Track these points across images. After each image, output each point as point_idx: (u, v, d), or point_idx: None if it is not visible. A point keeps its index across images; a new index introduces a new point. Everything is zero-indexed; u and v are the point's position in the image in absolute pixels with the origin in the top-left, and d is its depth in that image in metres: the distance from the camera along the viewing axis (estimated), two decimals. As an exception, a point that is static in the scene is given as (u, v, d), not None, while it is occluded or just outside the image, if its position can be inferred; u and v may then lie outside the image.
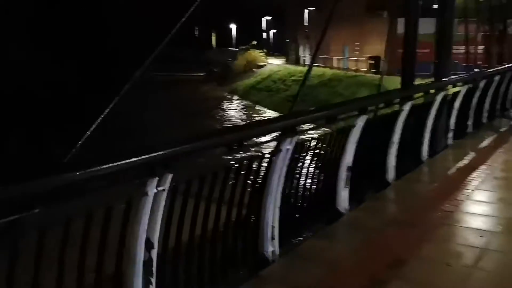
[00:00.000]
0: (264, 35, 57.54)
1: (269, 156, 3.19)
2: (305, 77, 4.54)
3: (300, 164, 3.55)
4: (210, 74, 44.41)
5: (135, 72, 3.86)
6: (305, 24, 38.28)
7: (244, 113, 25.02)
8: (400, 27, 27.29)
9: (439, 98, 5.88)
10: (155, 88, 32.10)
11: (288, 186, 3.48)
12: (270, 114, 24.38)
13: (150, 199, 2.18)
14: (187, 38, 53.25)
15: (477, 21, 14.18)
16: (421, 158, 5.89)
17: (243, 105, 27.88)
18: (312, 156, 3.69)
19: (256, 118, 23.15)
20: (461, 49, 12.25)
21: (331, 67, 31.36)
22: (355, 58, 29.63)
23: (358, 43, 32.15)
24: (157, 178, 2.17)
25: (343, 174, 4.14)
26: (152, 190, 2.16)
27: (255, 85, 32.54)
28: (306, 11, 38.27)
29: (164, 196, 2.23)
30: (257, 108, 26.52)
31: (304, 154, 3.57)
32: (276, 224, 3.31)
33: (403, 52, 6.62)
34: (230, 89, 34.97)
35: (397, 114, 4.94)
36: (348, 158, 4.13)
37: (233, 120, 21.61)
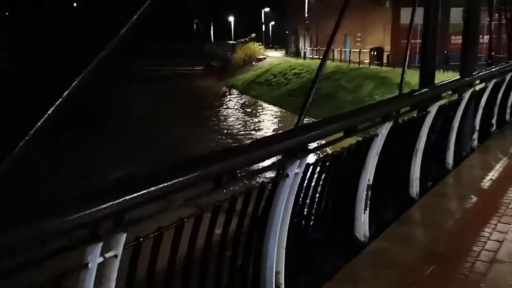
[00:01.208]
0: (263, 27, 56.49)
1: (271, 183, 2.43)
2: (317, 73, 3.70)
3: (311, 189, 2.79)
4: (208, 68, 43.51)
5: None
6: (306, 15, 37.28)
7: (243, 112, 24.21)
8: (404, 17, 26.55)
9: (467, 95, 5.10)
10: (148, 84, 31.34)
11: (296, 219, 2.72)
12: (271, 109, 23.56)
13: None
14: (185, 31, 52.39)
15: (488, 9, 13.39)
16: (446, 165, 5.12)
17: (242, 101, 27.01)
18: (326, 177, 2.91)
19: (258, 116, 22.33)
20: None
21: (333, 59, 30.46)
22: (357, 49, 28.69)
23: (359, 34, 31.23)
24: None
25: (362, 193, 3.38)
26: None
27: (254, 79, 31.66)
28: (306, 1, 37.25)
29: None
30: (259, 103, 25.66)
31: (317, 176, 2.80)
32: (282, 269, 2.55)
33: (422, 45, 5.82)
34: (229, 83, 34.11)
35: (423, 117, 4.16)
36: (369, 174, 3.37)
37: (231, 124, 20.80)
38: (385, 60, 26.07)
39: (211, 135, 16.35)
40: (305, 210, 2.85)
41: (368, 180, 3.38)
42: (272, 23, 57.18)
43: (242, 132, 17.44)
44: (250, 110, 23.41)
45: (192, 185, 1.70)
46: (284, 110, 22.36)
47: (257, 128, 18.72)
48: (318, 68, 3.84)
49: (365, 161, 3.32)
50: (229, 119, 20.56)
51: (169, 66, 42.53)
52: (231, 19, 57.26)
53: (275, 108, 23.50)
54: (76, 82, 1.64)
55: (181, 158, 2.02)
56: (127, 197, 1.46)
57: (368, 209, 3.43)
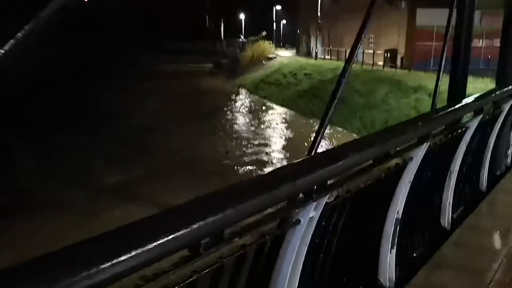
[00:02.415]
0: (275, 25, 55.76)
1: (273, 235, 1.79)
2: (339, 79, 3.01)
3: (329, 233, 2.15)
4: (217, 66, 42.93)
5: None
6: (318, 14, 36.51)
7: (249, 114, 23.60)
8: (420, 18, 25.69)
9: (506, 107, 4.44)
10: (153, 81, 30.86)
11: (309, 270, 2.08)
12: (280, 110, 22.90)
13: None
14: (195, 28, 51.95)
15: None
16: (480, 188, 4.46)
17: (250, 102, 26.37)
18: (347, 216, 2.27)
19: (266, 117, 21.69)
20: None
21: (345, 61, 29.71)
22: (370, 51, 27.91)
23: (372, 35, 30.43)
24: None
25: (389, 229, 2.75)
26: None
27: (264, 78, 30.99)
28: (319, 0, 36.49)
29: None
30: (268, 104, 24.98)
31: (336, 217, 2.16)
32: None
33: (454, 49, 5.15)
34: (238, 82, 33.49)
35: (461, 134, 3.51)
36: (398, 206, 2.74)
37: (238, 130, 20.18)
38: (399, 63, 25.29)
39: (212, 139, 15.72)
40: (320, 258, 2.22)
41: (396, 213, 2.75)
42: (284, 21, 56.43)
43: (246, 135, 16.80)
44: (257, 112, 22.76)
45: None
46: (293, 112, 21.69)
47: (262, 134, 18.06)
48: (341, 74, 3.16)
49: (395, 191, 2.69)
50: (233, 123, 19.94)
51: (178, 63, 42.09)
52: (242, 17, 56.64)
53: (283, 110, 22.84)
54: None
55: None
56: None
57: (395, 247, 2.81)
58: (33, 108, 17.50)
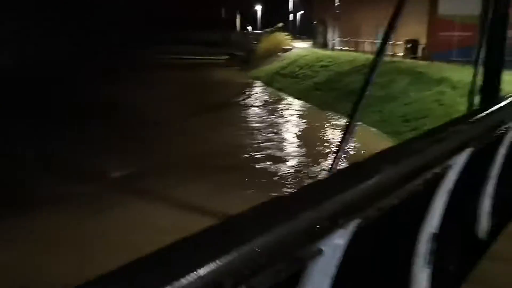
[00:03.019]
0: (292, 16, 55.03)
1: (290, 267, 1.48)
2: (370, 73, 2.68)
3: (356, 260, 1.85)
4: (232, 58, 42.59)
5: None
6: (335, 4, 35.77)
7: (264, 106, 23.28)
8: (442, 8, 24.75)
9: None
10: (168, 71, 30.73)
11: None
12: (296, 103, 22.49)
13: None
14: (210, 19, 51.66)
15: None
16: None
17: (265, 95, 26.01)
18: (377, 237, 1.96)
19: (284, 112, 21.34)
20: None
21: (364, 51, 29.01)
22: (390, 41, 27.17)
23: (392, 25, 29.62)
24: None
25: (423, 245, 2.44)
26: None
27: (279, 70, 30.55)
28: (336, -10, 35.73)
29: None
30: (283, 96, 24.60)
31: (365, 240, 1.85)
32: None
33: (487, 41, 4.73)
34: (253, 74, 33.13)
35: (501, 135, 3.14)
36: (433, 220, 2.42)
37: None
38: (420, 53, 24.56)
39: (227, 131, 15.45)
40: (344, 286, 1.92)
41: (432, 228, 2.43)
42: (300, 12, 55.62)
43: (260, 127, 16.48)
44: (272, 104, 22.42)
45: None
46: (309, 105, 21.27)
47: (278, 126, 17.74)
48: (371, 69, 2.82)
49: (430, 202, 2.37)
50: (248, 115, 19.65)
51: (192, 55, 41.93)
52: (258, 8, 56.05)
53: (299, 102, 22.43)
54: None
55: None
56: None
57: (429, 264, 2.50)
58: (44, 100, 17.52)
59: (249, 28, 52.49)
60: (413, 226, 2.35)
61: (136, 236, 6.91)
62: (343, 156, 2.48)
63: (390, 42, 26.88)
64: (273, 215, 1.23)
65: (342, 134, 2.65)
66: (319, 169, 11.16)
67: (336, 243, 1.52)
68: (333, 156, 2.44)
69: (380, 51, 2.89)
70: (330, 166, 2.54)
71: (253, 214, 1.24)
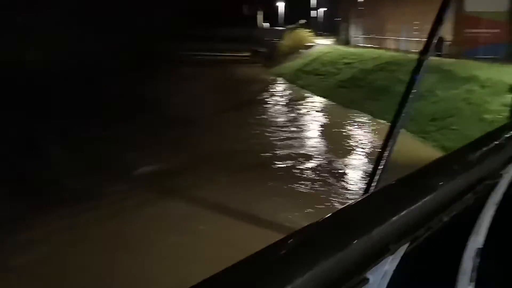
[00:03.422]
0: (315, 13, 54.74)
1: None
2: (412, 75, 2.71)
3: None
4: (255, 55, 42.71)
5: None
6: (359, 1, 35.50)
7: (288, 103, 23.36)
8: (468, 4, 24.36)
9: None
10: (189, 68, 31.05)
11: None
12: (319, 100, 22.54)
13: None
14: (233, 16, 51.81)
15: None
16: None
17: (289, 92, 26.10)
18: (424, 258, 1.90)
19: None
20: None
21: (388, 49, 28.78)
22: (415, 38, 26.89)
23: (417, 22, 29.26)
24: None
25: (468, 262, 2.30)
26: None
27: (302, 67, 30.56)
28: (360, -13, 35.43)
29: None
30: (306, 94, 24.64)
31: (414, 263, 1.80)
32: None
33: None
34: (276, 71, 33.21)
35: None
36: (480, 234, 2.30)
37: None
38: (446, 51, 24.20)
39: (252, 128, 15.68)
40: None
41: (478, 243, 2.33)
42: (324, 9, 55.29)
43: (284, 125, 16.64)
44: (295, 101, 22.51)
45: None
46: (333, 103, 21.29)
47: (303, 124, 17.84)
48: (415, 69, 2.80)
49: (478, 216, 2.30)
50: (272, 112, 19.81)
51: (214, 52, 42.17)
52: (280, 4, 55.92)
53: (322, 100, 22.47)
54: None
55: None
56: None
57: (474, 282, 2.37)
58: (76, 97, 18.03)
59: (267, 24, 52.39)
60: (459, 242, 2.30)
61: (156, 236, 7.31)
62: (383, 166, 2.47)
63: (414, 40, 26.47)
64: (320, 244, 1.09)
65: (383, 141, 2.66)
66: (345, 166, 11.30)
67: (383, 270, 1.36)
68: (372, 165, 2.41)
69: (426, 49, 2.82)
70: (370, 178, 2.53)
71: (294, 243, 1.07)
